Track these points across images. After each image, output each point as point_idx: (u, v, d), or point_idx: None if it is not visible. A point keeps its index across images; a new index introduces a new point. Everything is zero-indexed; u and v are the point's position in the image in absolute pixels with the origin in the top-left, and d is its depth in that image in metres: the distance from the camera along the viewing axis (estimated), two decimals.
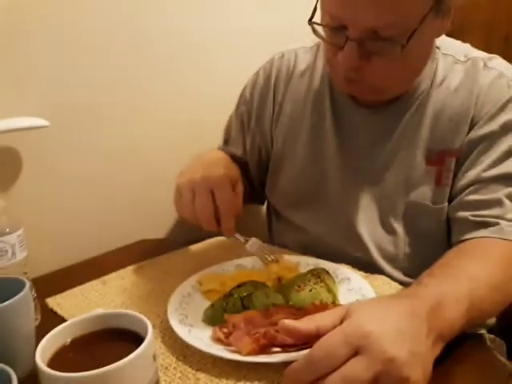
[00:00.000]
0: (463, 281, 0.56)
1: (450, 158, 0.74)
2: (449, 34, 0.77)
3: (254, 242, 0.73)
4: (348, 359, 0.42)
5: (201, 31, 1.06)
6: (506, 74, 0.74)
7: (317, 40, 0.84)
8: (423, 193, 0.75)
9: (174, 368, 0.55)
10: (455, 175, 0.74)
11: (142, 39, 0.98)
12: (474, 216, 0.70)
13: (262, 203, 1.02)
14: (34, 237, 0.69)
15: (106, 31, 0.92)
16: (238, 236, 0.73)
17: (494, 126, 0.71)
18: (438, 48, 0.77)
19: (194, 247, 0.90)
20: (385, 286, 0.71)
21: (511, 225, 0.67)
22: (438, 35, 0.72)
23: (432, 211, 0.75)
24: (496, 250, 0.65)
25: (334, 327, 0.46)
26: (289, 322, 0.48)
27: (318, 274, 0.66)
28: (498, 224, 0.68)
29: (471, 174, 0.72)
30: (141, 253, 0.88)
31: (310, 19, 0.69)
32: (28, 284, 0.54)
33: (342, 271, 0.71)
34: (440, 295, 0.51)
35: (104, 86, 0.94)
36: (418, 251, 0.78)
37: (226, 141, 0.99)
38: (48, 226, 0.90)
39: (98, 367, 0.39)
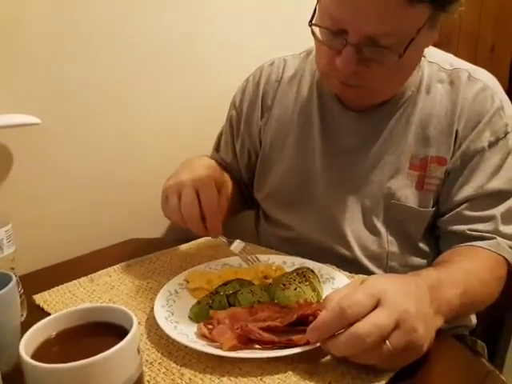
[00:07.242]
0: (458, 271, 0.64)
1: (433, 164, 0.76)
2: (436, 45, 0.79)
3: (237, 244, 0.74)
4: (372, 310, 0.48)
5: (201, 28, 1.08)
6: (491, 85, 0.76)
7: (307, 47, 0.86)
8: (405, 195, 0.78)
9: (159, 363, 0.56)
10: (443, 184, 0.77)
11: (137, 38, 0.99)
12: (470, 230, 0.74)
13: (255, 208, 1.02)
14: (22, 233, 0.69)
15: (99, 29, 0.93)
16: (222, 238, 0.73)
17: (484, 141, 0.74)
18: (423, 56, 0.79)
19: (183, 247, 0.91)
20: None
21: (505, 241, 0.72)
22: (428, 45, 0.73)
23: (414, 213, 0.78)
24: (486, 256, 0.71)
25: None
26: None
27: (304, 273, 0.67)
28: (494, 238, 0.73)
29: (467, 190, 0.74)
30: (130, 252, 0.89)
31: (311, 21, 0.69)
32: (14, 278, 0.54)
33: (327, 271, 0.72)
34: (438, 278, 0.58)
35: (96, 84, 0.95)
36: (401, 251, 0.80)
37: (217, 147, 1.01)
38: (37, 222, 0.91)
39: (82, 360, 0.39)
